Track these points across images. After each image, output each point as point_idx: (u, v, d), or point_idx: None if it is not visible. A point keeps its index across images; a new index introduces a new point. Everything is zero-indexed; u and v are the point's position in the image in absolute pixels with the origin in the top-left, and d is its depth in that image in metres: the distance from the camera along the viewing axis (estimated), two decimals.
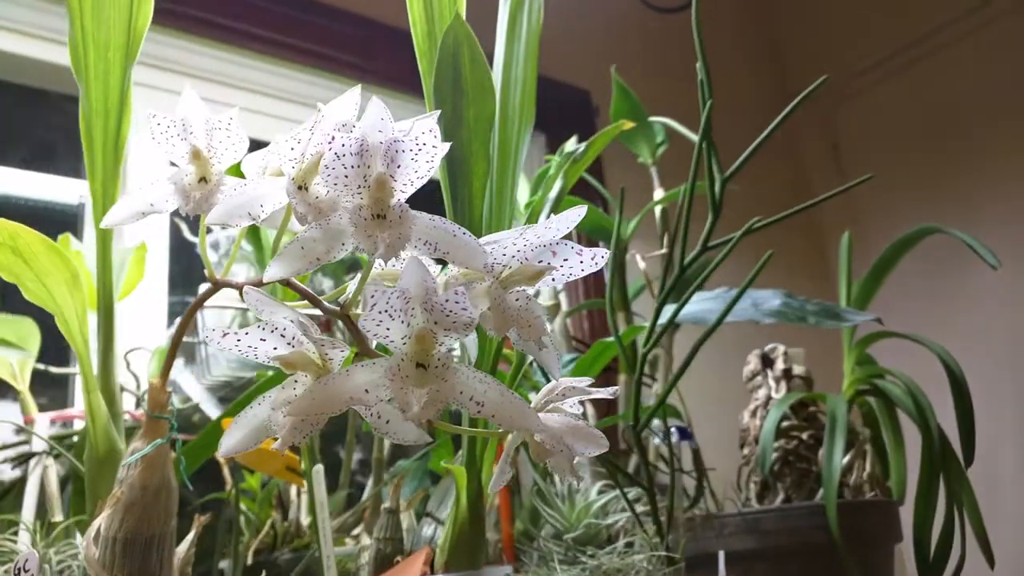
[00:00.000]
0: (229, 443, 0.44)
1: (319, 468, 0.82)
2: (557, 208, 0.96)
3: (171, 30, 1.47)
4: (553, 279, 0.48)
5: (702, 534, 1.10)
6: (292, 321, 0.42)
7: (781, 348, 1.26)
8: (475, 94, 0.68)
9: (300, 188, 0.49)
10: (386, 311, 0.40)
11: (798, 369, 1.26)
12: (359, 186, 0.45)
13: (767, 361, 1.26)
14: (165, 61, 1.49)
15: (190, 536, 0.75)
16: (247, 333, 0.42)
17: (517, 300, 0.48)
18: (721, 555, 1.03)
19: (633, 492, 1.05)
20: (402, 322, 0.41)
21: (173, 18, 1.45)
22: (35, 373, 1.04)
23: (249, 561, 0.97)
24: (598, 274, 1.91)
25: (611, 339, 1.05)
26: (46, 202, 1.44)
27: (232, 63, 1.56)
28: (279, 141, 0.49)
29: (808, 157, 2.67)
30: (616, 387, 0.57)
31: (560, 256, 0.47)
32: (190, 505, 1.23)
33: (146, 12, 0.68)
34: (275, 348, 0.43)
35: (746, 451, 1.19)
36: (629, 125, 1.09)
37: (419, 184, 0.47)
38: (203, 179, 0.54)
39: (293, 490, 1.13)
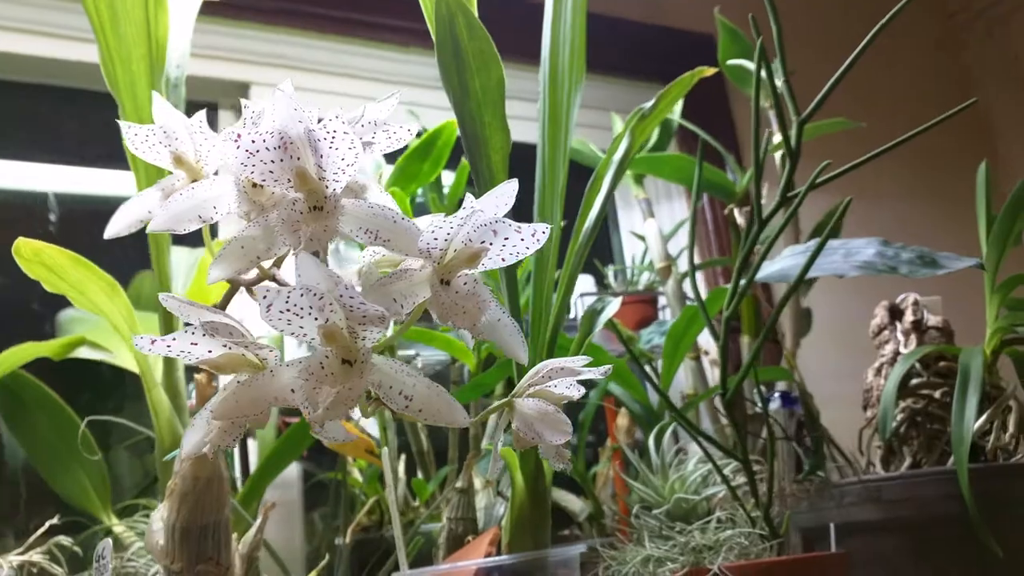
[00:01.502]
0: (188, 446, 0.45)
1: (385, 450, 0.83)
2: (622, 170, 0.92)
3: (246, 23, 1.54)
4: (505, 259, 0.46)
5: (819, 504, 1.03)
6: (219, 324, 0.42)
7: (912, 297, 1.14)
8: (478, 63, 0.65)
9: (255, 186, 0.48)
10: (288, 311, 0.39)
11: (933, 320, 1.13)
12: (289, 180, 0.44)
13: (896, 312, 1.14)
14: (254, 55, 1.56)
15: (258, 522, 0.78)
16: (175, 339, 0.43)
17: (465, 284, 0.45)
18: (832, 528, 0.95)
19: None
20: (316, 319, 0.40)
21: (236, 10, 1.51)
22: None
23: (347, 539, 1.01)
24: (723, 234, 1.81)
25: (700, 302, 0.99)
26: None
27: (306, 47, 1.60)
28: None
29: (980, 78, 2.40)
30: (607, 367, 0.53)
31: (501, 235, 0.44)
32: (309, 482, 1.29)
33: (164, 22, 0.70)
34: (209, 351, 0.43)
35: (869, 413, 1.09)
36: (709, 71, 1.01)
37: (351, 172, 0.45)
38: (195, 183, 0.55)
39: (401, 467, 1.16)
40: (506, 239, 0.44)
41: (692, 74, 0.98)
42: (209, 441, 0.42)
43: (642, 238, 1.43)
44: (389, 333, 0.45)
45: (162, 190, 0.55)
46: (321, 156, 0.44)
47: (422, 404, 0.43)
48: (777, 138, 1.40)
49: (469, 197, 0.44)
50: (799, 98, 0.85)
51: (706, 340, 1.66)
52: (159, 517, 0.73)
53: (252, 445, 1.17)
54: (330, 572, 1.03)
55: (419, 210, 1.29)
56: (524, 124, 1.43)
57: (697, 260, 1.67)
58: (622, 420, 1.27)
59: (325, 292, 0.39)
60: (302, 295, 0.39)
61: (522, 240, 0.45)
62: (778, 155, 1.36)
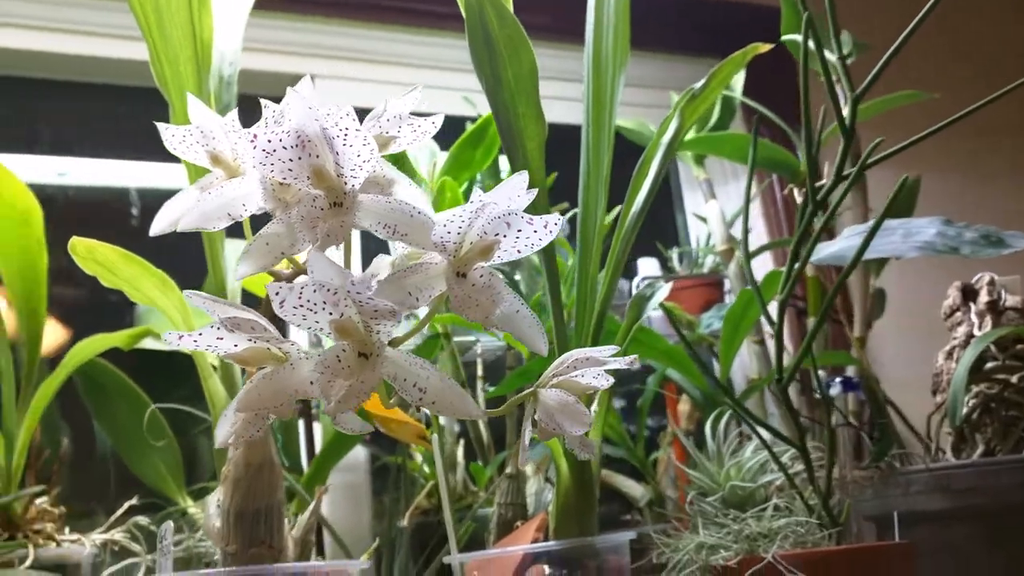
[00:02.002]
0: (220, 436, 0.47)
1: (435, 437, 0.85)
2: (671, 152, 0.90)
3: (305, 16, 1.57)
4: (520, 250, 0.46)
5: (884, 492, 1.00)
6: (241, 319, 0.43)
7: (988, 277, 1.09)
8: (509, 52, 0.65)
9: (281, 184, 0.50)
10: (302, 306, 0.40)
11: (1011, 300, 1.08)
12: (308, 177, 0.45)
13: (969, 293, 1.10)
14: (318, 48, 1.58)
15: (312, 505, 0.81)
16: (201, 334, 0.44)
17: (481, 277, 0.45)
18: (896, 517, 0.93)
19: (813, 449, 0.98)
20: (330, 314, 0.41)
21: (296, 4, 1.54)
22: None
23: (406, 522, 1.03)
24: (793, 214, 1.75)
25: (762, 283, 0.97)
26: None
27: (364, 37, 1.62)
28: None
29: None
30: (633, 356, 0.52)
31: (514, 227, 0.44)
32: (374, 464, 1.32)
33: (208, 24, 0.72)
34: (235, 345, 0.45)
35: (939, 398, 1.05)
36: (764, 48, 0.98)
37: (369, 168, 0.46)
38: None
39: (460, 451, 1.17)
40: (519, 231, 0.45)
41: (744, 52, 0.95)
42: (234, 431, 0.44)
43: (704, 220, 1.41)
44: (404, 327, 0.46)
45: (201, 188, 0.57)
46: (337, 153, 0.44)
47: (435, 396, 0.43)
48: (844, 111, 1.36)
49: (477, 190, 0.44)
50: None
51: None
52: (215, 501, 0.76)
53: (317, 429, 1.20)
54: (391, 554, 1.05)
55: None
56: (567, 105, 1.43)
57: (766, 241, 1.63)
58: (684, 405, 1.26)
59: (338, 288, 0.40)
60: (315, 291, 0.40)
61: (535, 232, 0.45)
62: None
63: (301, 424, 1.19)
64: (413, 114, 0.55)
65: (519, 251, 0.45)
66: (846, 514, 0.89)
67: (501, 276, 0.51)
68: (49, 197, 1.52)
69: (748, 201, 0.94)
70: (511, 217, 0.44)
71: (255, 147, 0.43)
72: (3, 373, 1.00)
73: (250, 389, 0.43)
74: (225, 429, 0.47)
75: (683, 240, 1.68)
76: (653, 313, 1.22)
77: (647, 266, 1.72)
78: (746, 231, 0.94)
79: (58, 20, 1.41)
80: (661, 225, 1.82)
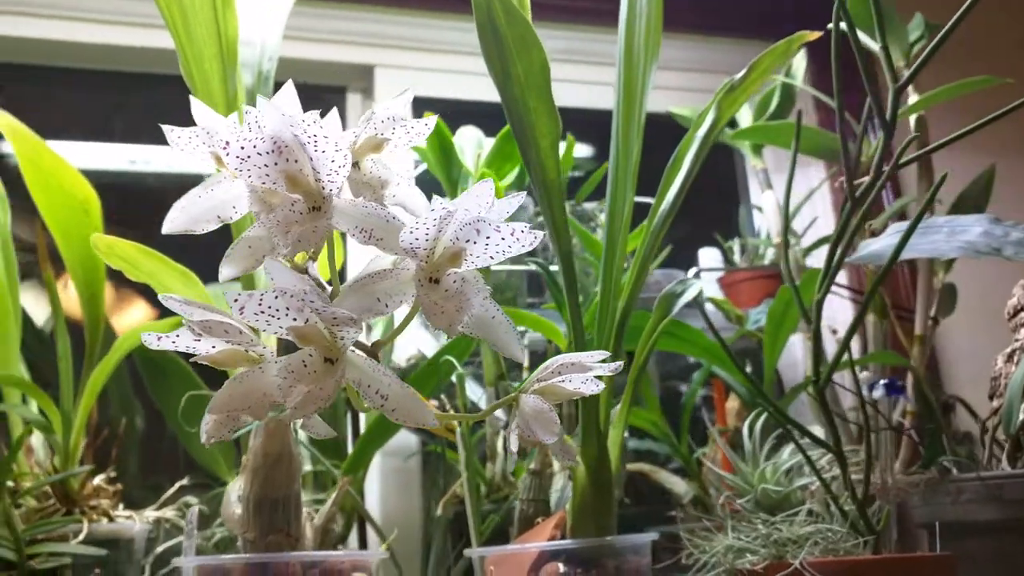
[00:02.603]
0: (205, 432, 0.48)
1: (459, 430, 0.85)
2: (706, 146, 0.88)
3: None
4: (492, 257, 0.45)
5: (933, 499, 0.95)
6: (213, 323, 0.44)
7: None
8: (518, 49, 0.64)
9: (267, 188, 0.50)
10: (263, 312, 0.41)
11: None
12: (283, 182, 0.46)
13: None
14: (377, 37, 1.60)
15: (333, 495, 0.82)
16: (179, 335, 0.45)
17: (454, 283, 0.45)
18: (937, 527, 0.89)
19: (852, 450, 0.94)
20: (294, 319, 0.42)
21: None
22: None
23: (440, 510, 1.04)
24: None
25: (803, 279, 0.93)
26: None
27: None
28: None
29: None
30: (618, 364, 0.51)
31: (483, 234, 0.44)
32: (412, 455, 1.33)
33: (232, 21, 0.73)
34: (212, 347, 0.46)
35: (995, 403, 0.99)
36: (812, 36, 0.94)
37: (343, 173, 0.46)
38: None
39: (501, 442, 1.18)
40: (488, 238, 0.44)
41: (788, 41, 0.92)
42: (206, 431, 0.45)
43: (760, 210, 1.37)
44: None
45: (205, 188, 0.59)
46: (310, 159, 0.45)
47: (396, 404, 0.44)
48: (913, 98, 1.29)
49: (436, 198, 0.43)
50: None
51: (831, 316, 1.58)
52: (236, 489, 0.78)
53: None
54: (427, 541, 1.06)
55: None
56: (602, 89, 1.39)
57: (828, 232, 1.58)
58: (732, 403, 1.23)
59: (300, 294, 0.41)
60: (276, 297, 0.41)
61: (503, 239, 0.44)
62: (913, 118, 1.26)
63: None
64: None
65: (491, 257, 0.45)
66: (884, 521, 0.86)
67: (483, 281, 0.50)
68: (122, 184, 1.59)
69: (789, 192, 0.91)
70: (480, 224, 0.44)
71: (227, 153, 0.43)
72: (63, 355, 1.05)
73: (221, 391, 0.44)
74: (202, 428, 0.48)
75: (746, 231, 1.64)
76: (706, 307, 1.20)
77: (708, 257, 1.68)
78: (786, 224, 0.91)
79: (125, 13, 1.47)
80: (727, 215, 1.78)
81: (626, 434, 1.24)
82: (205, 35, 0.72)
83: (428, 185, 0.85)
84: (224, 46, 0.73)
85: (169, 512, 1.14)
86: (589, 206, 1.46)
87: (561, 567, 0.76)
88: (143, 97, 1.61)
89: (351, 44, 1.66)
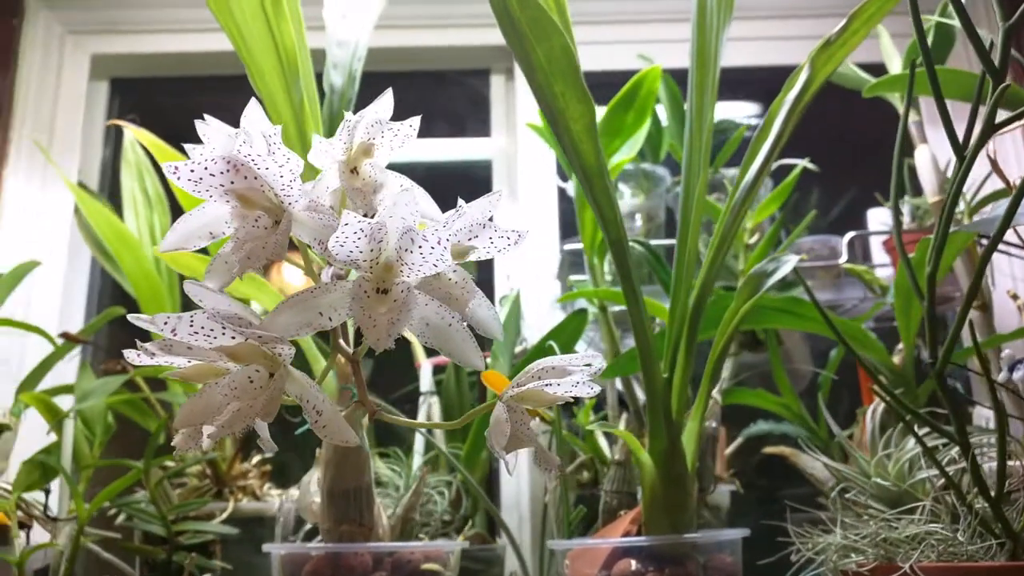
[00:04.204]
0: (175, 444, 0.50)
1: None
2: (797, 111, 0.80)
3: None
4: (435, 264, 0.44)
5: None
6: (175, 342, 0.46)
7: None
8: (535, 34, 0.61)
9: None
10: (196, 333, 0.42)
11: None
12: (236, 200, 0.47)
13: None
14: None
15: (414, 485, 0.84)
16: (145, 350, 0.48)
17: (403, 292, 0.45)
18: None
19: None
20: (233, 338, 0.43)
21: None
22: None
23: (547, 496, 1.03)
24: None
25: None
26: (462, 161, 1.67)
27: None
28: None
29: None
30: (599, 367, 0.48)
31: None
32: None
33: (288, 32, 0.75)
34: (189, 362, 0.48)
35: None
36: None
37: (295, 186, 0.47)
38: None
39: (623, 425, 1.15)
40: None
41: None
42: (175, 444, 0.47)
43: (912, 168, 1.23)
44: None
45: None
46: (255, 178, 0.46)
47: (326, 421, 0.44)
48: None
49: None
50: None
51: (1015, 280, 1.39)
52: (315, 480, 0.82)
53: None
54: (543, 523, 1.07)
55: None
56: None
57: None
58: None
59: (228, 317, 0.42)
60: (208, 318, 0.42)
61: (432, 250, 0.43)
62: None
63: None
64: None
65: (434, 265, 0.44)
66: (1022, 524, 0.75)
67: (471, 282, 0.49)
68: None
69: (902, 150, 0.80)
70: (412, 234, 0.43)
71: (178, 178, 0.45)
72: None
73: (183, 406, 0.46)
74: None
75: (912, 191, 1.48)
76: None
77: (877, 218, 1.55)
78: (897, 186, 0.81)
79: None
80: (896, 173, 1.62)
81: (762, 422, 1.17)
82: (262, 49, 0.75)
83: None
84: (283, 57, 0.76)
85: None
86: (732, 172, 1.38)
87: (633, 564, 0.73)
88: None
89: (491, 27, 1.66)
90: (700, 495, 0.81)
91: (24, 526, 1.13)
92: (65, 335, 1.16)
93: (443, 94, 1.73)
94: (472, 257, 0.51)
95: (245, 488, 1.15)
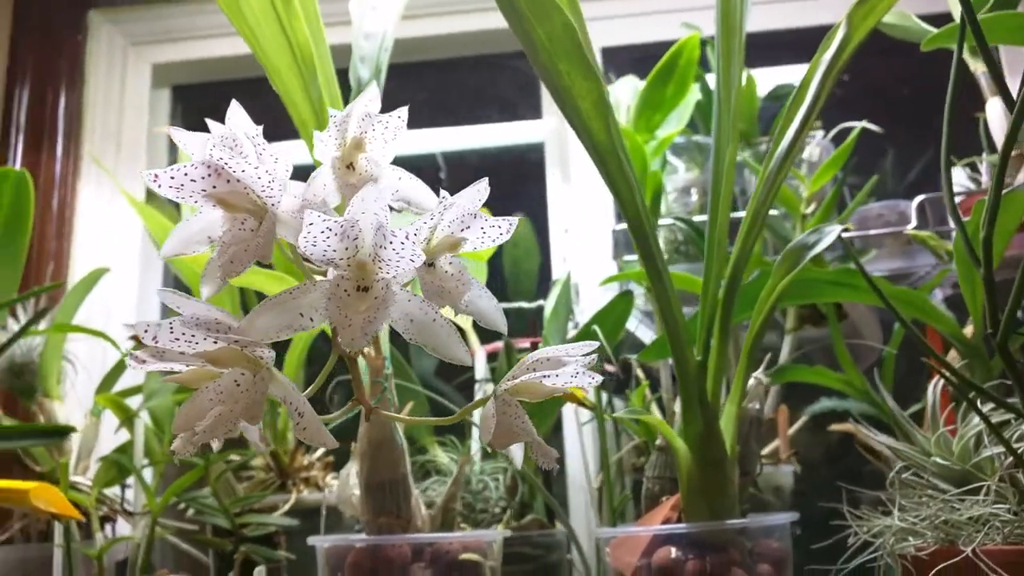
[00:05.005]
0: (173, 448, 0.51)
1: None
2: (832, 72, 0.76)
3: None
4: (412, 260, 0.43)
5: None
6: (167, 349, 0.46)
7: None
8: (533, 12, 0.59)
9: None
10: (177, 340, 0.42)
11: None
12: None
13: None
14: None
15: (455, 475, 0.84)
16: (135, 357, 0.48)
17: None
18: None
19: None
20: (215, 342, 0.43)
21: None
22: None
23: (595, 483, 1.01)
24: None
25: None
26: (514, 145, 1.66)
27: None
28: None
29: None
30: (592, 356, 0.46)
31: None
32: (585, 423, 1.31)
33: (301, 29, 0.75)
34: (184, 366, 0.49)
35: None
36: None
37: (277, 186, 0.46)
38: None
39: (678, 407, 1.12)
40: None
41: None
42: (174, 448, 0.48)
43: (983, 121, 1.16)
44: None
45: None
46: (226, 181, 0.45)
47: (307, 423, 0.43)
48: None
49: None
50: None
51: None
52: (354, 472, 0.82)
53: None
54: (598, 510, 1.05)
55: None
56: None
57: None
58: (952, 355, 1.06)
59: (208, 323, 0.42)
60: (186, 324, 0.42)
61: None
62: None
63: None
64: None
65: (411, 260, 0.43)
66: None
67: (470, 274, 0.48)
68: None
69: (953, 110, 0.75)
70: (383, 230, 0.42)
71: (159, 186, 0.45)
72: None
73: (179, 412, 0.46)
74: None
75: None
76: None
77: (956, 179, 1.47)
78: (948, 145, 0.75)
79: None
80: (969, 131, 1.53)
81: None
82: (276, 48, 0.75)
83: None
84: (297, 55, 0.76)
85: None
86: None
87: (673, 552, 0.71)
88: None
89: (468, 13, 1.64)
90: (744, 479, 0.78)
91: (108, 520, 1.19)
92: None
93: (491, 79, 1.71)
94: (465, 248, 0.49)
95: (308, 480, 1.17)
